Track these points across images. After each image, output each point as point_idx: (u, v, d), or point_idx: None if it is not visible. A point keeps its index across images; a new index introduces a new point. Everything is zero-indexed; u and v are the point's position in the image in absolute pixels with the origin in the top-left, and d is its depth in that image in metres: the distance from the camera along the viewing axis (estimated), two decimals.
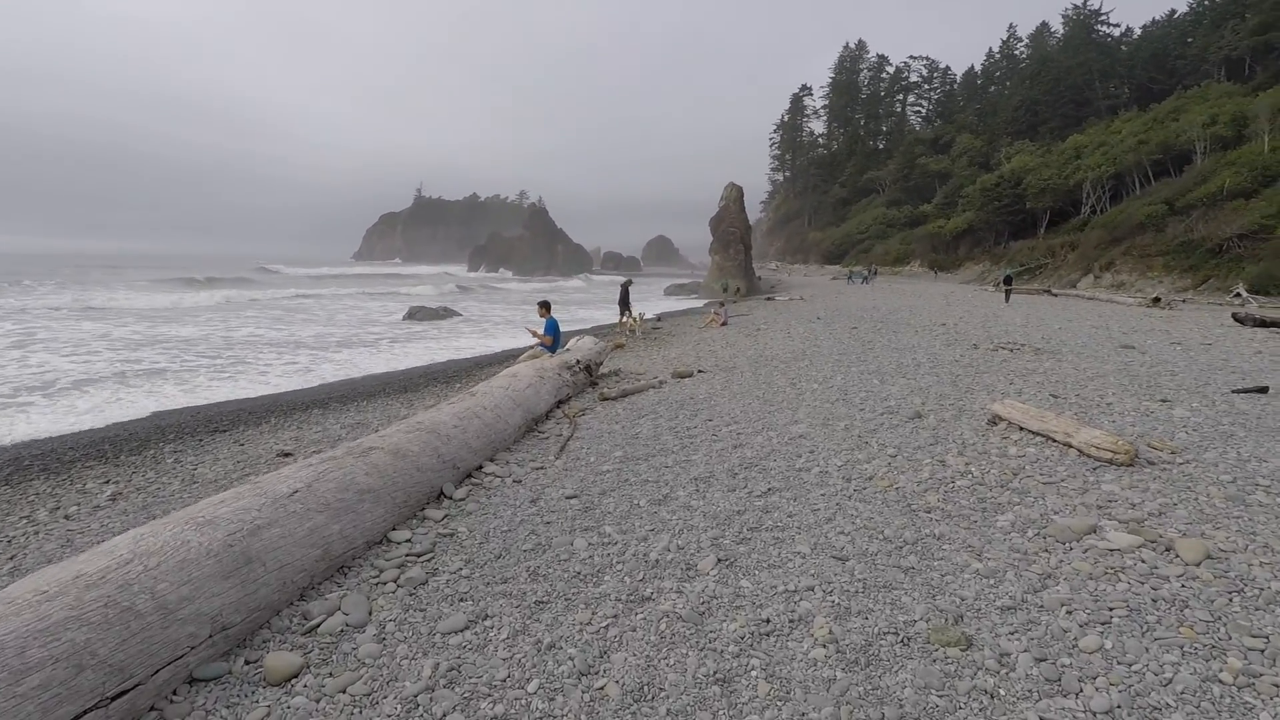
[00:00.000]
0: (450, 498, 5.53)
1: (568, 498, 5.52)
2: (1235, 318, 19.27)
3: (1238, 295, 27.40)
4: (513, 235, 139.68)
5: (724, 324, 22.55)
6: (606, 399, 9.88)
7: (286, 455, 8.04)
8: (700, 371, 12.31)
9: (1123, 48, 76.11)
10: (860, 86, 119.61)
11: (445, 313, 34.07)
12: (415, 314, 33.31)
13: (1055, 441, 6.13)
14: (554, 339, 11.70)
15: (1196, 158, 41.90)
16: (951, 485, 5.32)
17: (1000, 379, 9.80)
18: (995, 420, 7.04)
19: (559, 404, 9.53)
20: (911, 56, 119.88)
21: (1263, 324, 17.80)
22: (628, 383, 11.66)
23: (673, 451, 6.73)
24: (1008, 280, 32.81)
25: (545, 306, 12.01)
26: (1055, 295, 35.63)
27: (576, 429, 8.09)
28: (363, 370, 16.62)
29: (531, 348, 12.17)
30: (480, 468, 6.31)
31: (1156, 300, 27.66)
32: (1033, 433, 6.47)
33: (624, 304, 22.20)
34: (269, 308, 36.81)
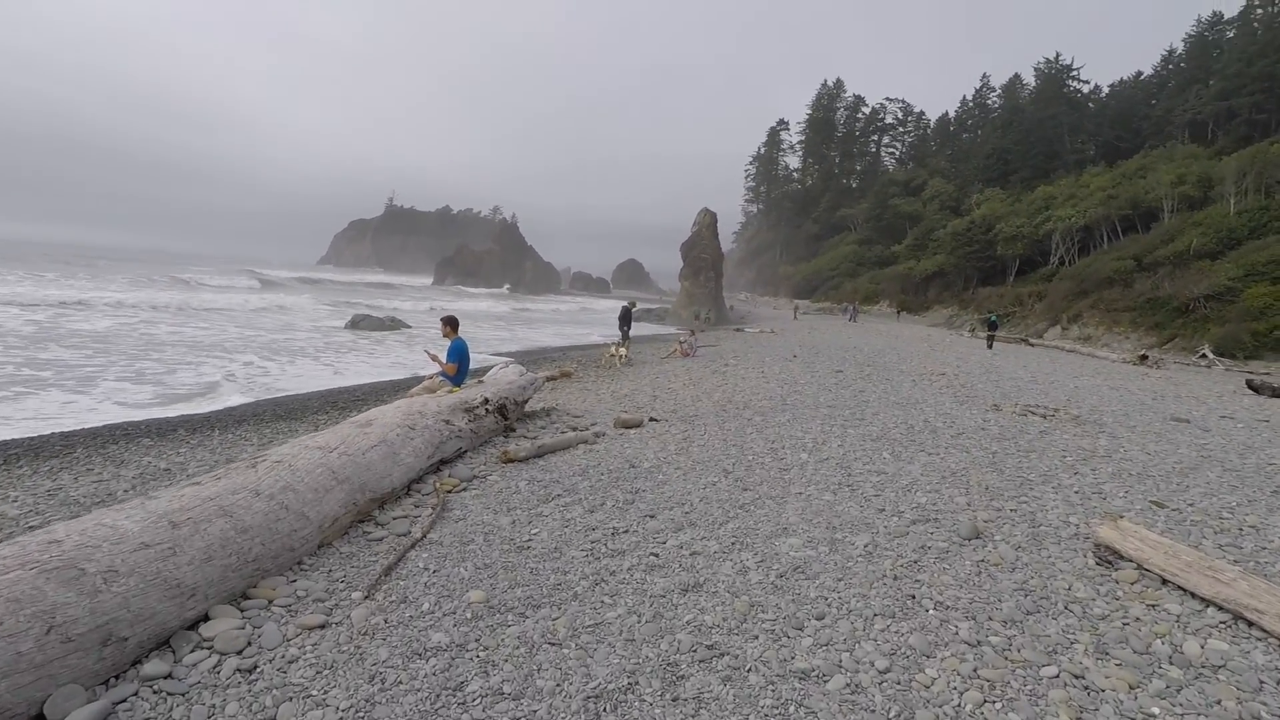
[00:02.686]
0: None
1: None
2: (1251, 385, 17.20)
3: (1204, 356, 26.44)
4: (482, 249, 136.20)
5: (690, 355, 19.88)
6: (512, 460, 6.99)
7: None
8: (652, 420, 9.51)
9: (1090, 105, 76.63)
10: (836, 124, 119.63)
11: (393, 324, 30.97)
12: (358, 323, 30.26)
13: (1247, 621, 3.42)
14: (459, 367, 8.78)
15: (1164, 215, 41.96)
16: None
17: (1056, 463, 7.14)
18: (1109, 558, 4.32)
19: (441, 465, 6.63)
20: (888, 98, 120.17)
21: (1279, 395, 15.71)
22: (551, 434, 8.79)
23: (574, 598, 3.82)
24: (993, 325, 31.32)
25: (451, 324, 9.09)
26: (1033, 345, 34.11)
27: (438, 520, 5.17)
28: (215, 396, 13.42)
29: (430, 377, 9.24)
30: (196, 624, 3.38)
31: (1144, 357, 25.99)
32: (1194, 595, 3.75)
33: (624, 326, 19.75)
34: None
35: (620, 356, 18.36)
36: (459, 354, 8.74)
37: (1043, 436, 8.54)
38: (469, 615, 3.58)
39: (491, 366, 10.85)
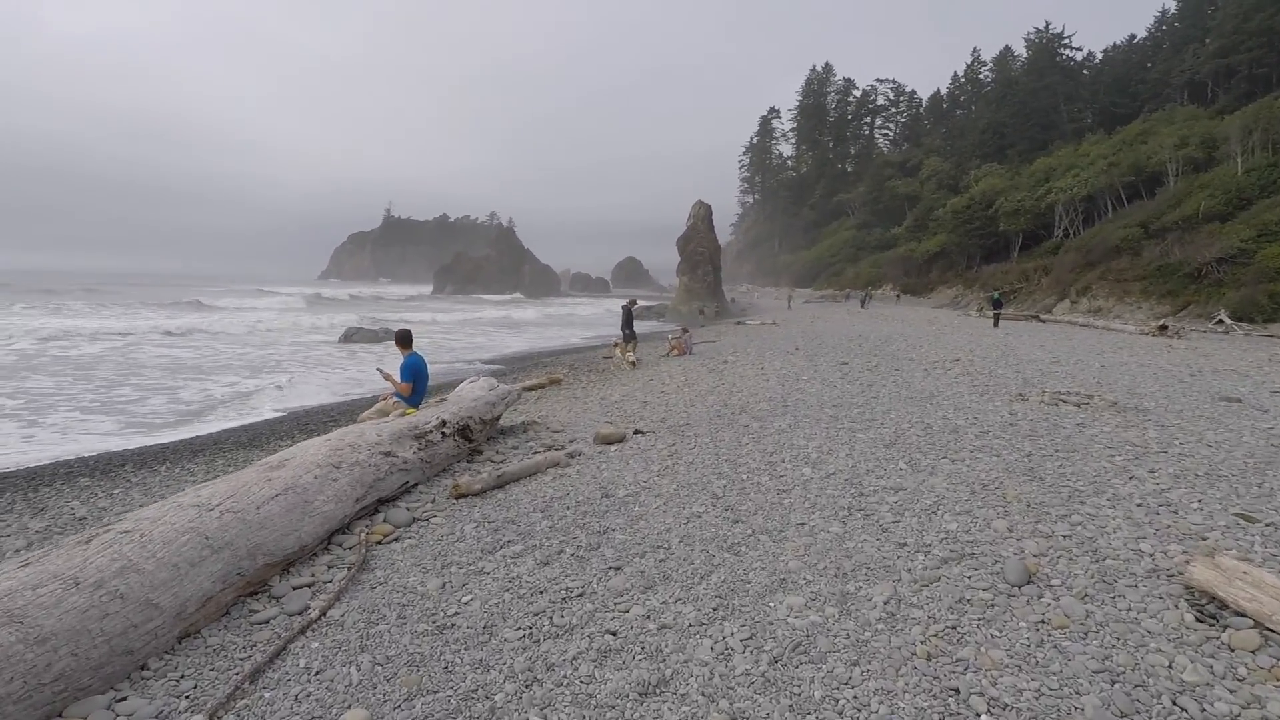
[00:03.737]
0: None
1: None
2: None
3: (1220, 322, 25.54)
4: (479, 255, 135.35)
5: (686, 353, 18.85)
6: (464, 495, 5.95)
7: None
8: (638, 432, 8.47)
9: (1085, 72, 75.28)
10: (828, 109, 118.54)
11: (386, 335, 29.85)
12: (351, 336, 29.39)
13: None
14: (415, 385, 7.76)
15: (1169, 180, 40.71)
16: None
17: (1104, 465, 6.05)
18: (1210, 610, 3.26)
19: (381, 505, 5.61)
20: (878, 79, 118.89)
21: None
22: (521, 456, 7.77)
23: (490, 715, 2.80)
24: (997, 304, 30.31)
25: (403, 340, 8.05)
26: (1044, 321, 33.02)
27: (349, 587, 4.12)
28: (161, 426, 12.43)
29: (385, 397, 8.21)
30: None
31: (1163, 328, 24.87)
32: None
33: (627, 327, 18.51)
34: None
35: (627, 359, 17.37)
36: (413, 371, 7.71)
37: (1081, 430, 7.45)
38: None
39: (465, 380, 9.82)
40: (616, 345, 17.88)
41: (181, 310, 45.97)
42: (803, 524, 4.83)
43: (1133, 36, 74.68)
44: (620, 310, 19.43)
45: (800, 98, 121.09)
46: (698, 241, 51.68)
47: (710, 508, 5.30)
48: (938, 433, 7.48)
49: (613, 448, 7.79)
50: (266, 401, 13.88)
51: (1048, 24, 75.95)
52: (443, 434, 7.01)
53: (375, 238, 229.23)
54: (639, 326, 20.85)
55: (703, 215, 53.12)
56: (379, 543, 4.85)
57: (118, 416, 12.15)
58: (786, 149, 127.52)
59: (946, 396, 9.83)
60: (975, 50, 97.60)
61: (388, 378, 7.80)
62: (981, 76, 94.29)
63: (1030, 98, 70.73)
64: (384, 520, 5.31)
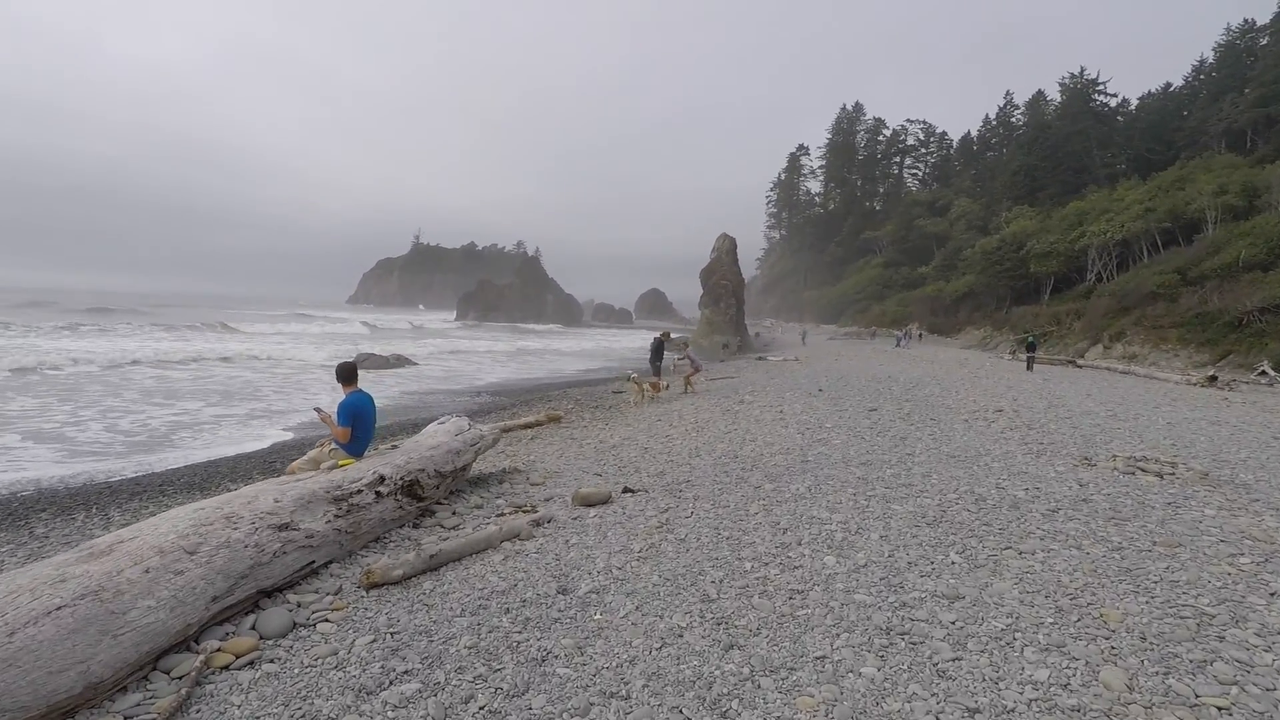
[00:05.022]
0: None
1: None
2: None
3: (1263, 373, 24.29)
4: (503, 283, 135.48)
5: (696, 372, 17.65)
6: (379, 585, 4.61)
7: None
8: (628, 491, 7.13)
9: (1119, 118, 73.92)
10: (857, 148, 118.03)
11: (396, 361, 29.42)
12: (360, 362, 28.37)
13: None
14: (356, 430, 6.43)
15: (1207, 227, 39.68)
16: None
17: (1227, 569, 4.55)
18: None
19: (264, 597, 4.31)
20: (909, 120, 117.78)
21: None
22: (483, 519, 6.43)
23: None
24: (1031, 347, 29.36)
25: (345, 375, 6.74)
26: (1080, 367, 31.45)
27: None
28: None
29: (323, 444, 6.91)
30: None
31: (1213, 379, 23.16)
32: None
33: (657, 359, 17.72)
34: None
35: (650, 393, 16.20)
36: (353, 413, 6.38)
37: (1176, 512, 5.95)
38: None
39: (435, 420, 8.52)
40: (632, 379, 16.54)
41: (199, 334, 45.33)
42: (823, 658, 3.42)
43: (1168, 85, 73.36)
44: (650, 342, 18.40)
45: (830, 135, 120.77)
46: (721, 274, 50.37)
47: (697, 619, 3.91)
48: (993, 508, 6.02)
49: (592, 511, 6.43)
50: (235, 433, 12.71)
51: (1082, 69, 74.67)
52: (378, 494, 5.70)
53: (403, 264, 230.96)
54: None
55: (727, 248, 51.91)
56: (225, 668, 3.50)
57: (62, 445, 11.01)
58: (814, 186, 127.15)
59: (995, 456, 8.33)
60: (1008, 94, 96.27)
61: (325, 420, 6.52)
62: (1013, 120, 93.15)
63: (1063, 142, 69.41)
64: (252, 628, 3.96)
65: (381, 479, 5.86)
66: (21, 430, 11.91)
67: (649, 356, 18.28)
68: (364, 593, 4.51)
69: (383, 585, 4.58)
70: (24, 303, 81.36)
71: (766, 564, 4.80)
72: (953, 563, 4.69)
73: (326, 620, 4.11)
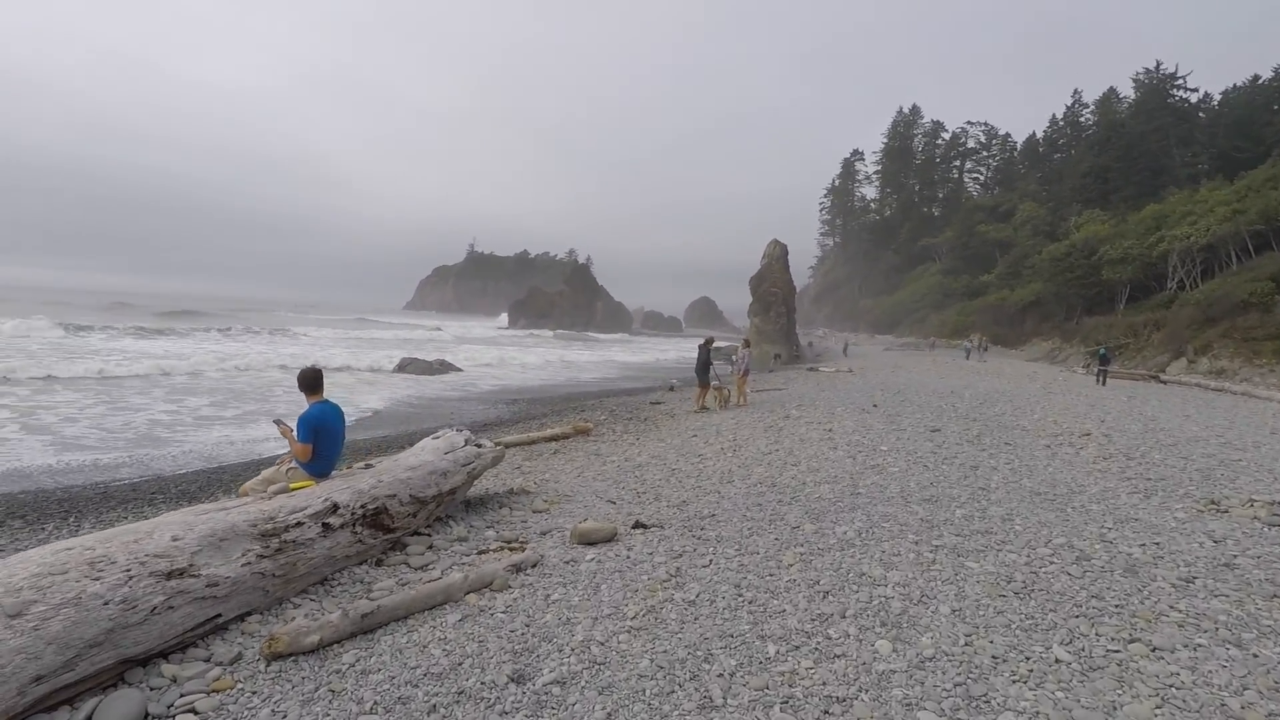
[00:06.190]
0: None
1: None
2: None
3: None
4: (553, 290, 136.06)
5: (744, 374, 16.59)
6: (284, 655, 3.55)
7: None
8: (639, 526, 5.97)
9: (1201, 114, 69.60)
10: (915, 152, 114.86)
11: (440, 367, 29.00)
12: (405, 366, 28.50)
13: None
14: (318, 447, 5.43)
15: None
16: None
17: None
18: None
19: (129, 667, 3.30)
20: (969, 122, 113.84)
21: None
22: (462, 555, 5.36)
23: None
24: (1104, 359, 27.30)
25: (308, 382, 5.73)
26: (1164, 383, 29.04)
27: None
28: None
29: (283, 461, 5.91)
30: None
31: None
32: None
33: (704, 371, 16.03)
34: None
35: (700, 404, 15.46)
36: (313, 426, 5.37)
37: None
38: None
39: (431, 435, 7.48)
40: (673, 389, 15.52)
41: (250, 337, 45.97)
42: None
43: (1256, 78, 68.63)
44: (696, 351, 16.81)
45: (885, 140, 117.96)
46: (772, 281, 48.87)
47: None
48: (1102, 571, 4.64)
49: (591, 552, 5.29)
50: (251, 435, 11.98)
51: (1159, 64, 70.75)
52: (325, 526, 4.66)
53: (458, 271, 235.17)
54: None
55: (777, 254, 50.43)
56: None
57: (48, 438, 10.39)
58: (870, 192, 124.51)
59: (1093, 495, 6.87)
60: (1076, 92, 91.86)
61: (284, 434, 5.53)
62: (1082, 119, 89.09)
63: (1138, 141, 65.80)
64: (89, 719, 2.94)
65: (334, 508, 4.83)
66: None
67: (695, 368, 16.58)
68: (264, 665, 3.45)
69: (285, 657, 3.51)
70: (109, 304, 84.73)
71: (797, 648, 3.58)
72: (1057, 661, 3.38)
73: (192, 712, 3.06)
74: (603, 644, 3.66)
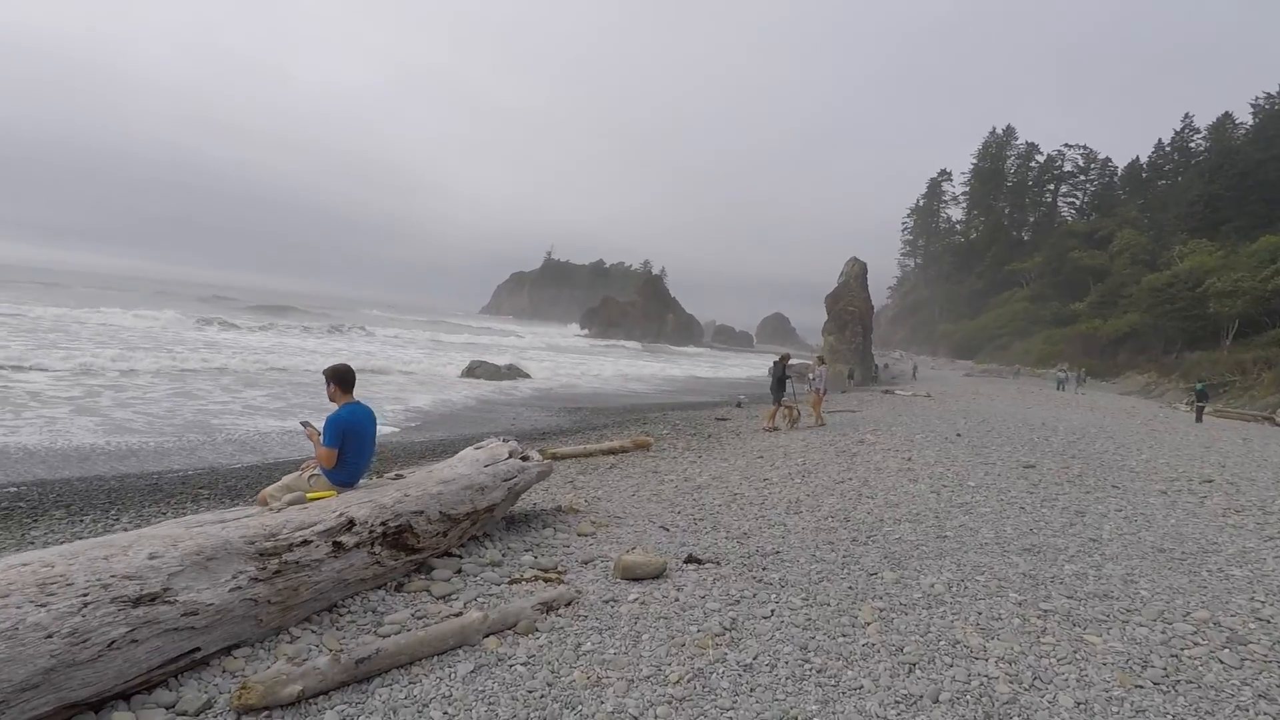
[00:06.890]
0: None
1: None
2: None
3: None
4: (626, 301, 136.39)
5: (821, 393, 16.11)
6: (257, 709, 3.01)
7: None
8: (692, 561, 5.31)
9: None
10: (1006, 174, 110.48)
11: (510, 371, 28.40)
12: (473, 369, 27.97)
13: None
14: (344, 454, 4.97)
15: None
16: None
17: None
18: None
19: (93, 708, 2.84)
20: (1066, 145, 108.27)
21: None
22: (492, 585, 4.80)
23: None
24: (1201, 395, 25.89)
25: (338, 381, 5.27)
26: (1278, 425, 26.67)
27: None
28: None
29: (306, 467, 5.47)
30: None
31: None
32: None
33: (778, 389, 15.26)
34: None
35: (772, 424, 14.89)
36: (341, 429, 4.93)
37: None
38: None
39: (474, 445, 6.97)
40: (741, 405, 14.81)
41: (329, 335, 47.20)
42: None
43: None
44: (771, 370, 15.99)
45: (975, 161, 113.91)
46: (848, 299, 47.39)
47: None
48: (1264, 661, 3.76)
49: (635, 590, 4.67)
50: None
51: None
52: (337, 545, 4.18)
53: (534, 278, 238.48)
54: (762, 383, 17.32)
55: (856, 273, 48.91)
56: None
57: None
58: (956, 213, 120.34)
59: (1230, 556, 5.86)
60: (1187, 116, 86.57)
61: (311, 436, 5.10)
62: (1192, 145, 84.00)
63: (1255, 169, 61.46)
64: None
65: (350, 524, 4.35)
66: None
67: (770, 385, 15.71)
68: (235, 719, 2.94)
69: (264, 710, 2.98)
70: (208, 296, 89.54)
71: None
72: None
73: None
74: (636, 718, 3.01)
